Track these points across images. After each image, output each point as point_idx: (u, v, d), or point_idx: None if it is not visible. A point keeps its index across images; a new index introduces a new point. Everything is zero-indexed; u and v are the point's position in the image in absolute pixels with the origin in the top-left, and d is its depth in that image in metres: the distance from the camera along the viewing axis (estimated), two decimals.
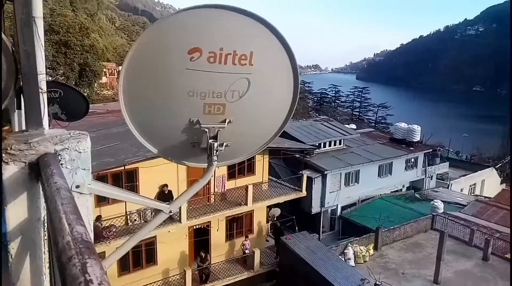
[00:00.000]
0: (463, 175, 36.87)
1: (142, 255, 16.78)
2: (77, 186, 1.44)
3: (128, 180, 15.97)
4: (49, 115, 4.93)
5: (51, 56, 35.59)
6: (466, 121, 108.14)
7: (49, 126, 1.70)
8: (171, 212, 2.06)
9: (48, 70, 34.18)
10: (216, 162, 2.11)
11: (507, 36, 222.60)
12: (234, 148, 2.25)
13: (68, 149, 1.41)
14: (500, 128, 78.98)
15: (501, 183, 40.08)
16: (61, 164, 1.38)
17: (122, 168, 15.18)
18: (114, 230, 14.76)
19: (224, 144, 2.13)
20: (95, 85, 44.39)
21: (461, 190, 35.07)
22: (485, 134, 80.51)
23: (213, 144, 2.07)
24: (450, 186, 34.38)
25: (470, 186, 36.99)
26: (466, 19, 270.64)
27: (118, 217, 15.22)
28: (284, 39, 2.06)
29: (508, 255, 20.33)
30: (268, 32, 2.03)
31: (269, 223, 21.19)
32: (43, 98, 1.67)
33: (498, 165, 45.86)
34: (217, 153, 2.09)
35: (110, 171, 15.17)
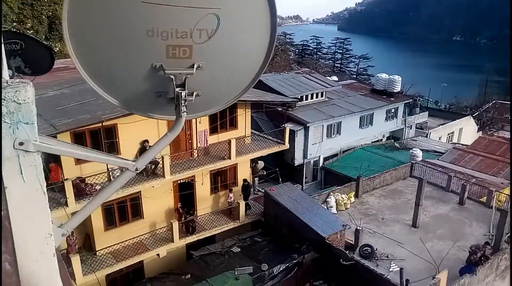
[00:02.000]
0: (442, 124, 37.70)
1: (128, 210, 16.88)
2: (21, 143, 1.23)
3: (107, 137, 15.64)
4: (11, 69, 4.50)
5: (16, 8, 33.34)
6: (445, 71, 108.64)
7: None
8: (137, 170, 1.83)
9: (14, 23, 32.08)
10: (185, 113, 1.85)
11: None
12: (206, 98, 1.97)
13: (4, 99, 1.18)
14: (478, 77, 79.90)
15: (478, 131, 41.19)
16: None
17: (100, 125, 14.80)
18: (97, 186, 14.65)
19: (194, 93, 1.87)
20: None
21: (440, 138, 35.96)
22: (464, 83, 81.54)
23: (181, 93, 1.80)
24: (429, 135, 35.16)
25: (448, 134, 37.93)
26: None
27: (101, 173, 15.04)
28: None
29: (483, 198, 21.26)
30: None
31: (254, 176, 21.42)
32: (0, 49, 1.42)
33: (476, 114, 46.94)
34: (185, 103, 1.83)
35: (87, 128, 14.78)
